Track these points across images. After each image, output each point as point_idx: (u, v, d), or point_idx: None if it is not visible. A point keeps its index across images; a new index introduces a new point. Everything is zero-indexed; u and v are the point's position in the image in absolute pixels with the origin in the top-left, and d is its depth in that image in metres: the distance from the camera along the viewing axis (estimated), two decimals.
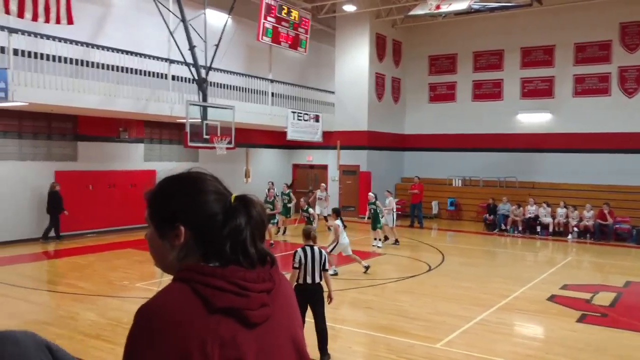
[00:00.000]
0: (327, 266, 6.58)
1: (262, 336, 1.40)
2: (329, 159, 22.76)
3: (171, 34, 15.26)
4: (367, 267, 11.47)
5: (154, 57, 15.71)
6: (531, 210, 18.80)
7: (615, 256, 14.97)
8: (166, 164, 18.08)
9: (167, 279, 1.47)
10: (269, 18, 18.66)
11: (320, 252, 6.54)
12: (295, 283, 6.43)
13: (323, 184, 19.72)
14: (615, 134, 19.69)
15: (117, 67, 14.85)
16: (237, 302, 1.35)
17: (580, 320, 8.50)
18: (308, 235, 6.75)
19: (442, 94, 23.70)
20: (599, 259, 14.85)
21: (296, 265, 6.42)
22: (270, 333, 1.42)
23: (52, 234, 14.83)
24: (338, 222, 11.45)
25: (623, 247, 16.38)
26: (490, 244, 17.22)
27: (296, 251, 6.50)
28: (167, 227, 1.45)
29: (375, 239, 15.35)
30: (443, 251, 14.64)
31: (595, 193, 19.20)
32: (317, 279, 6.49)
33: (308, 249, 6.54)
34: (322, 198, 18.79)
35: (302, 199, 15.93)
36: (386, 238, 15.70)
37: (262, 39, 18.58)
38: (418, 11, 19.21)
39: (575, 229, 17.96)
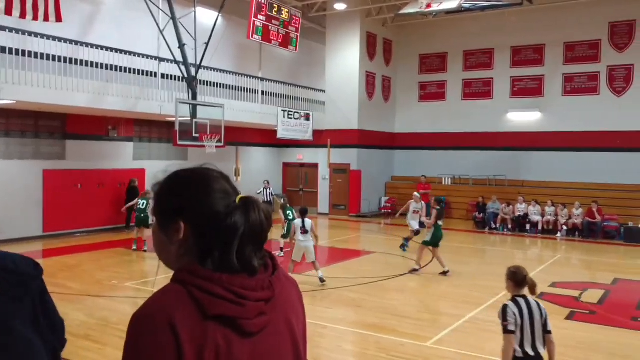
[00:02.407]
0: (549, 326, 4.41)
1: (258, 345, 1.38)
2: (320, 157, 22.74)
3: (161, 32, 15.18)
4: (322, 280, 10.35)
5: (143, 56, 15.63)
6: (520, 208, 18.90)
7: (603, 254, 15.08)
8: (156, 163, 18.03)
9: (161, 277, 1.45)
10: (259, 16, 18.62)
11: (539, 307, 4.42)
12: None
13: (416, 193, 14.77)
14: (604, 132, 19.83)
15: (107, 65, 14.77)
16: (232, 310, 1.33)
17: (570, 317, 8.55)
18: (521, 281, 4.44)
19: (432, 93, 23.76)
20: (588, 256, 14.95)
21: (511, 327, 4.28)
22: (266, 342, 1.40)
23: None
24: (298, 221, 10.43)
25: (611, 245, 16.51)
26: (480, 242, 17.29)
27: (506, 306, 4.36)
28: (169, 221, 1.44)
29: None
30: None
31: (584, 191, 19.34)
32: (540, 348, 4.34)
33: (522, 302, 4.38)
34: (418, 210, 14.24)
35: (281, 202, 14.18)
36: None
37: (252, 37, 18.54)
38: (409, 10, 19.23)
39: (564, 227, 18.07)
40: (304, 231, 10.18)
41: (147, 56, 15.73)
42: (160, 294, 1.35)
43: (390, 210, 22.80)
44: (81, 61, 14.19)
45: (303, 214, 10.50)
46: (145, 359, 1.26)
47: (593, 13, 19.98)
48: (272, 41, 19.48)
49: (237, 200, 1.45)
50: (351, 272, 11.69)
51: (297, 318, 1.53)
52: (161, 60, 15.94)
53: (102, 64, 14.65)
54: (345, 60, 22.22)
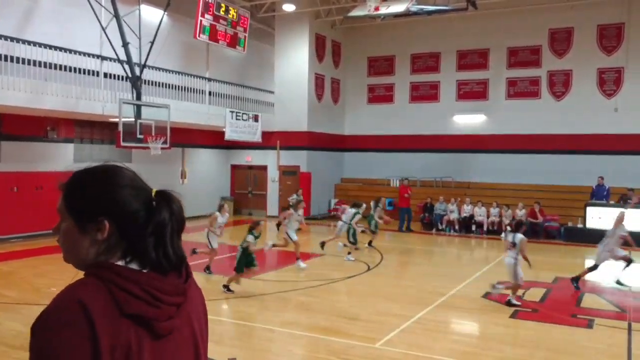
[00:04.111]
0: None
1: (164, 349, 1.39)
2: (269, 159, 22.57)
3: (103, 29, 14.69)
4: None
5: (85, 54, 15.07)
6: (467, 209, 19.30)
7: (544, 253, 15.53)
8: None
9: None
10: (206, 15, 18.32)
11: None
12: None
13: (624, 209, 11.45)
14: (544, 135, 20.51)
15: (45, 63, 14.12)
16: (148, 311, 1.34)
17: (513, 316, 8.75)
18: None
19: (381, 96, 23.99)
20: (530, 256, 15.31)
21: None
22: (172, 347, 1.41)
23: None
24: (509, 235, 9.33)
25: (552, 245, 17.05)
26: (428, 243, 17.55)
27: None
28: (90, 222, 1.40)
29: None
30: (381, 250, 14.77)
31: (527, 192, 19.93)
32: None
33: None
34: (625, 235, 10.73)
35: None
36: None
37: (199, 36, 18.22)
38: (357, 12, 19.31)
39: (508, 227, 18.51)
40: (512, 246, 9.34)
41: (89, 54, 15.17)
42: (75, 286, 1.32)
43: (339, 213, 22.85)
44: (17, 58, 13.53)
45: (517, 227, 9.61)
46: (63, 356, 1.21)
47: (534, 20, 20.65)
48: (220, 41, 19.21)
49: (154, 194, 1.46)
50: (300, 275, 11.60)
51: (201, 327, 1.55)
52: (104, 58, 15.42)
53: (40, 62, 14.00)
54: (294, 61, 22.14)
